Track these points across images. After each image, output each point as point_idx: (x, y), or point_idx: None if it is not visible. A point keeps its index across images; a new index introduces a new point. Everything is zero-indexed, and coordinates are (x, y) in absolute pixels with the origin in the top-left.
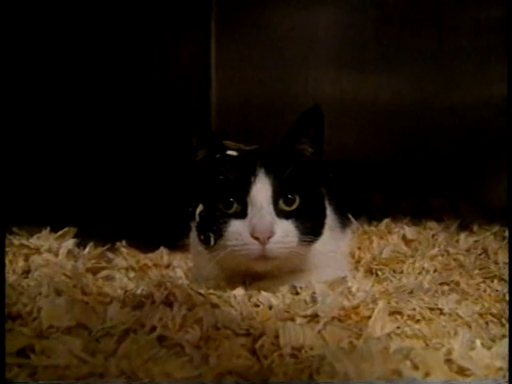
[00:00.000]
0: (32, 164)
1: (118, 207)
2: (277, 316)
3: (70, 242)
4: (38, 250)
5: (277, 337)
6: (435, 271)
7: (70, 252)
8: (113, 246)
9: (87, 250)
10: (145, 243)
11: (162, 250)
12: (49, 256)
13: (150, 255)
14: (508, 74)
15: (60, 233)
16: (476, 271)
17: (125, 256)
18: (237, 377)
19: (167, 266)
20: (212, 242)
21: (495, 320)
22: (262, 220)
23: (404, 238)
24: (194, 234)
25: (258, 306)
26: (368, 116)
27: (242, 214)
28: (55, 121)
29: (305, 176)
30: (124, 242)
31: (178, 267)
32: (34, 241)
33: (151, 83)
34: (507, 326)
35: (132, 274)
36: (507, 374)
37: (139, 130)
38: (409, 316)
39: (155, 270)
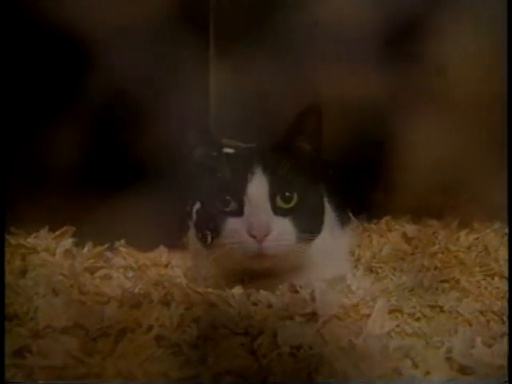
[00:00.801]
0: (31, 163)
1: (117, 206)
2: (276, 315)
3: (67, 242)
4: (35, 250)
5: (275, 336)
6: (435, 269)
7: (67, 251)
8: (112, 245)
9: (86, 249)
10: (144, 242)
11: (161, 249)
12: (46, 255)
13: (149, 254)
14: (508, 73)
15: (58, 232)
16: (476, 269)
17: (123, 255)
18: (235, 376)
19: (166, 265)
20: (209, 240)
21: (496, 318)
22: (259, 218)
23: (404, 235)
24: (192, 233)
25: (256, 304)
26: (368, 114)
27: (238, 212)
28: (56, 120)
29: (303, 173)
30: (123, 242)
31: (176, 266)
32: (31, 240)
33: (149, 82)
34: (508, 323)
35: (131, 274)
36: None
37: (138, 128)
38: (409, 314)
39: (154, 269)
